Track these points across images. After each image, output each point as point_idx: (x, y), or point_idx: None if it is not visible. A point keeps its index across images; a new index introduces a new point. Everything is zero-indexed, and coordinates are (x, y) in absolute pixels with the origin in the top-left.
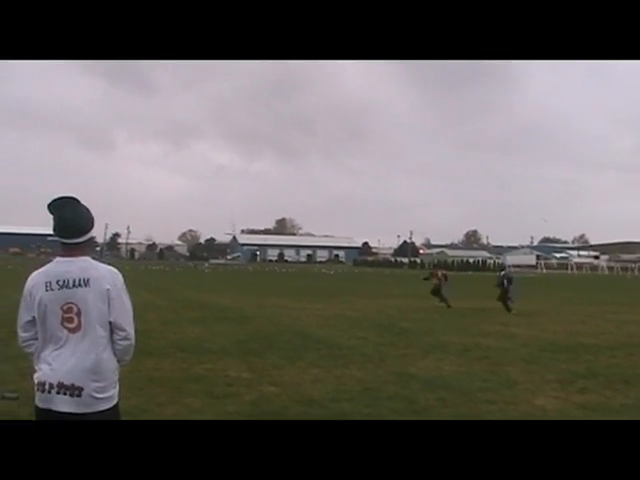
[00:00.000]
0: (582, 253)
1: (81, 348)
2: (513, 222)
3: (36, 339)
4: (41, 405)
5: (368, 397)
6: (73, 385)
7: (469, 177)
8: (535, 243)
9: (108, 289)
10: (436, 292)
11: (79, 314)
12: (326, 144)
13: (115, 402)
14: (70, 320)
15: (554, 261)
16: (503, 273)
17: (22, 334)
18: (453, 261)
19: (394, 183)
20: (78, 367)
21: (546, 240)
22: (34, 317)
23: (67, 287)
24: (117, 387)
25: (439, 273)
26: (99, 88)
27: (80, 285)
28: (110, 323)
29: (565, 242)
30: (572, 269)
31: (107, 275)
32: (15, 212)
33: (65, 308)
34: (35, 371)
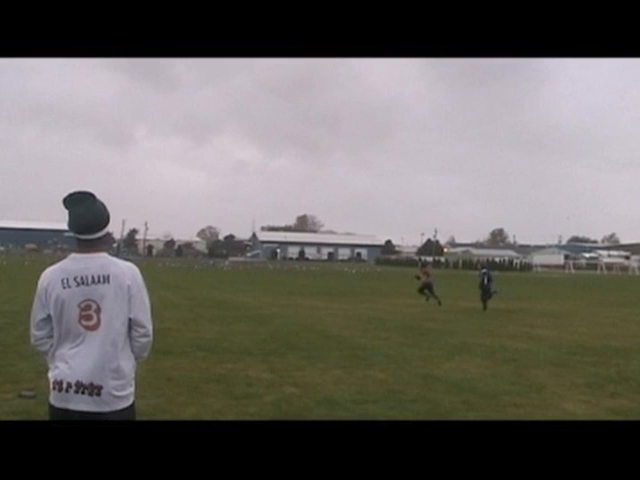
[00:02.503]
0: (612, 253)
1: (100, 346)
2: (541, 221)
3: (50, 337)
4: (57, 404)
5: (391, 399)
6: (92, 384)
7: (496, 175)
8: (564, 242)
9: (129, 285)
10: (422, 289)
11: (98, 311)
12: (349, 141)
13: (133, 400)
14: (88, 318)
15: (583, 261)
16: (484, 271)
17: (36, 332)
18: (478, 260)
19: (418, 181)
20: (97, 365)
21: (575, 239)
22: (49, 315)
23: (86, 284)
24: (134, 385)
25: (429, 271)
26: (119, 83)
27: (100, 282)
28: (129, 320)
29: (594, 241)
30: (602, 269)
31: (127, 271)
32: (32, 207)
33: (83, 306)
34: (50, 369)
